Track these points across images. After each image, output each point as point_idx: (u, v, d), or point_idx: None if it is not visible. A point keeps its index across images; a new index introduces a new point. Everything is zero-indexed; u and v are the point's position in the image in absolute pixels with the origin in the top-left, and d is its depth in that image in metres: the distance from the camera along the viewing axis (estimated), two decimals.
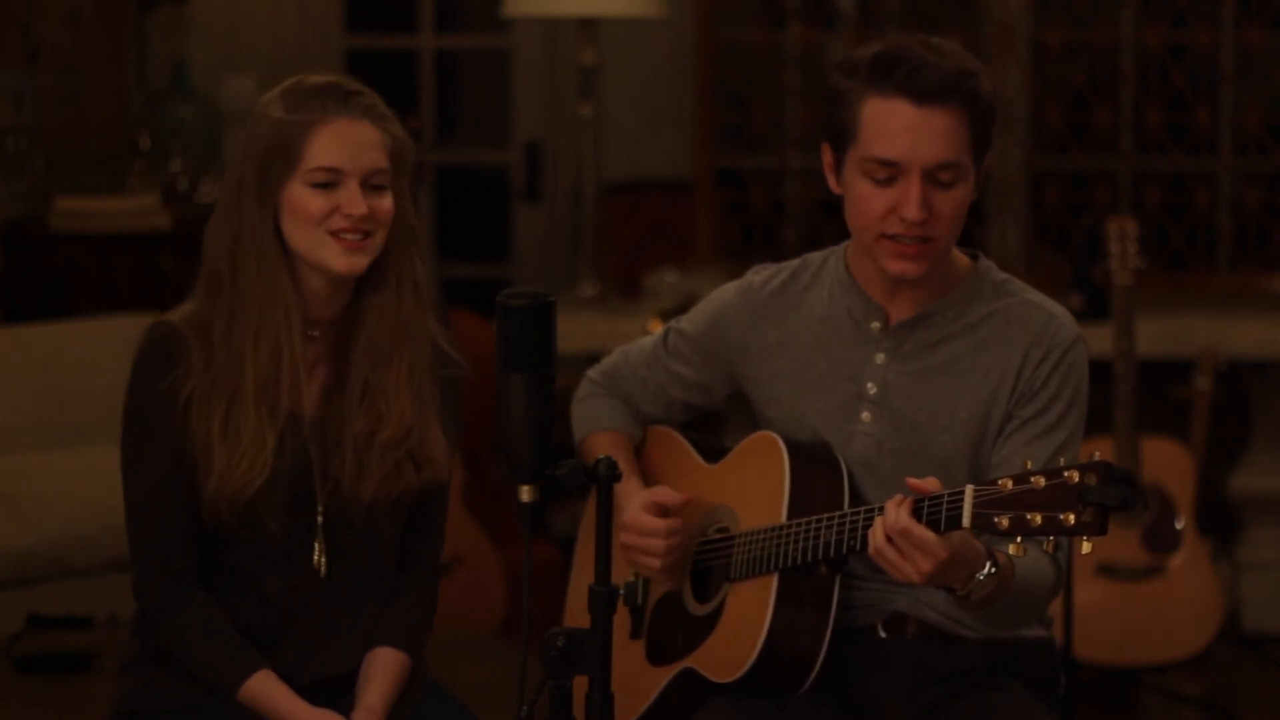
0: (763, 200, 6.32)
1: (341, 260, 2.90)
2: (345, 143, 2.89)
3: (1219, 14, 6.13)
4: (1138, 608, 5.22)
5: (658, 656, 3.12)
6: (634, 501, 3.11)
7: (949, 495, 2.67)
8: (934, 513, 2.67)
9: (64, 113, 5.99)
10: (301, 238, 2.90)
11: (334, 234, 2.89)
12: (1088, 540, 2.57)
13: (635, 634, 3.18)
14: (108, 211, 5.69)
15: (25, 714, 3.69)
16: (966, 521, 2.64)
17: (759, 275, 3.13)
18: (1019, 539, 2.60)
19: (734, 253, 6.25)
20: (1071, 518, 2.56)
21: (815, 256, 3.11)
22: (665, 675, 3.08)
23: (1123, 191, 6.21)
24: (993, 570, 2.72)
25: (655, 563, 3.08)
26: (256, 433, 2.89)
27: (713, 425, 5.47)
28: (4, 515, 4.79)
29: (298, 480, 2.93)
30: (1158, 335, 5.52)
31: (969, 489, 2.65)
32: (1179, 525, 5.27)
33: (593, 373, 3.30)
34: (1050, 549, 2.61)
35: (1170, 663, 5.26)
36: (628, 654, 3.14)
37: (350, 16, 7.16)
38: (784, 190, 6.36)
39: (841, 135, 2.90)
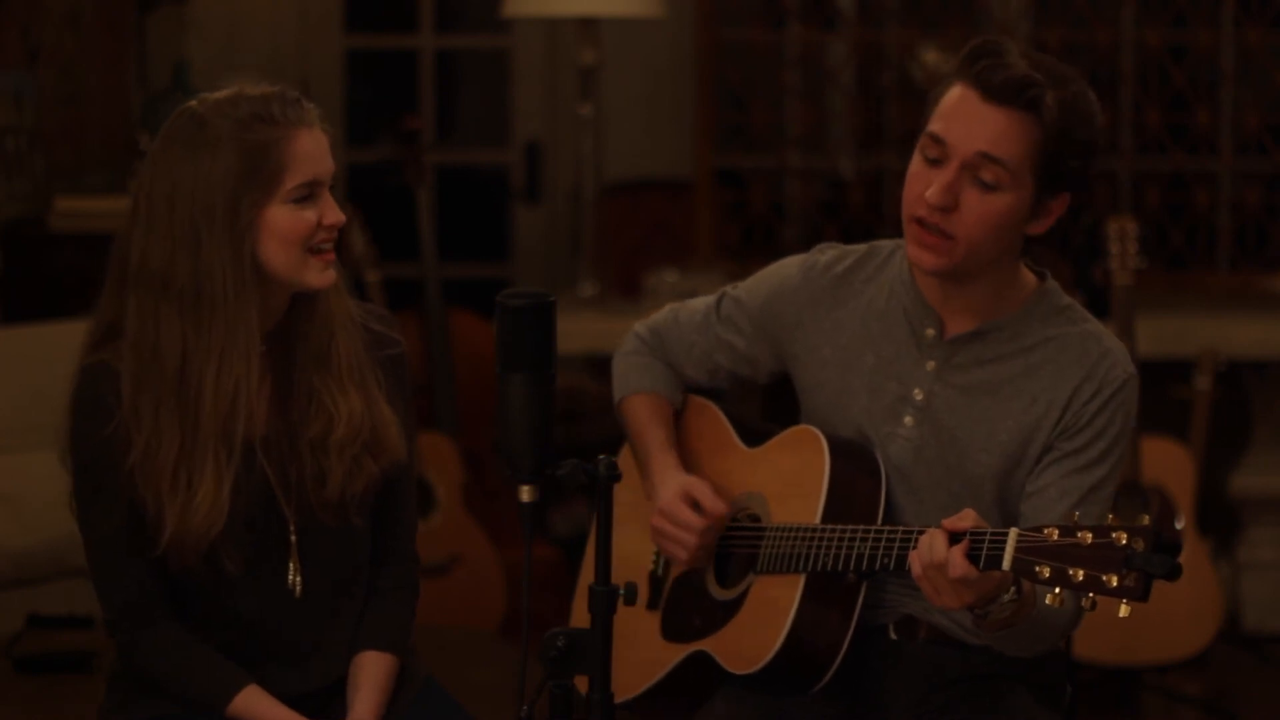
0: (762, 200, 6.32)
1: (320, 276, 2.81)
2: (313, 152, 2.78)
3: (1219, 14, 6.13)
4: (1138, 608, 5.20)
5: (672, 633, 3.11)
6: (671, 486, 3.08)
7: (991, 534, 2.63)
8: (975, 549, 2.63)
9: (64, 113, 5.97)
10: (283, 259, 2.78)
11: (314, 250, 2.79)
12: (1127, 604, 2.53)
13: (653, 605, 3.16)
14: (108, 211, 5.68)
15: (25, 714, 3.68)
16: (1007, 565, 2.60)
17: (824, 255, 3.09)
18: (1057, 590, 2.56)
19: (734, 253, 6.25)
20: (1114, 580, 2.52)
21: (884, 245, 3.08)
22: (678, 654, 3.07)
23: (1123, 191, 6.21)
24: (1015, 596, 2.70)
25: (682, 554, 3.06)
26: (213, 477, 2.77)
27: (745, 395, 5.43)
28: (4, 515, 4.79)
29: (262, 506, 2.85)
30: (1158, 335, 5.52)
31: (1013, 533, 2.61)
32: (1179, 525, 5.26)
33: (640, 328, 3.25)
34: (1088, 604, 2.58)
35: (1170, 663, 5.26)
36: (642, 624, 3.13)
37: (350, 16, 7.16)
38: (784, 190, 6.36)
39: (926, 116, 2.90)
